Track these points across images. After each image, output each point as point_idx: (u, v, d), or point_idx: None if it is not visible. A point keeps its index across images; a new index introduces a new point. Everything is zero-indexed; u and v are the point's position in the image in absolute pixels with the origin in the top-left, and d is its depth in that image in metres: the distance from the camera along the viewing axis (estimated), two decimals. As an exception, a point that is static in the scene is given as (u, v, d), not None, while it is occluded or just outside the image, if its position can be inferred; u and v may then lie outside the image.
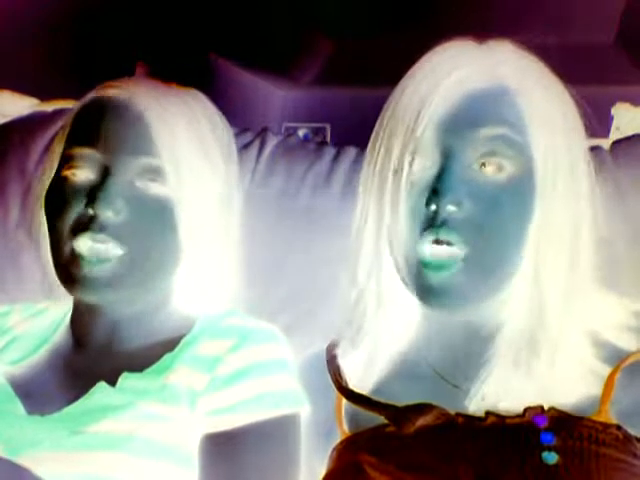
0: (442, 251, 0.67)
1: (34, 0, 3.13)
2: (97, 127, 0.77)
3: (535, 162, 0.68)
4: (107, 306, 0.79)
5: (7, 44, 2.88)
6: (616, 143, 0.92)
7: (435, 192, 0.65)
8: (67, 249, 0.75)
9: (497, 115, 0.67)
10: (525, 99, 0.68)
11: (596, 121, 0.71)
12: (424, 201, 0.67)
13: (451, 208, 0.65)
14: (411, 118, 0.68)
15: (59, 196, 0.77)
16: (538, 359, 0.66)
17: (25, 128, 1.08)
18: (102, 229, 0.73)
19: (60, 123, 1.06)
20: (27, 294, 0.98)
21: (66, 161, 0.78)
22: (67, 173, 0.77)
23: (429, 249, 0.67)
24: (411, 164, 0.69)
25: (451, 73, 0.68)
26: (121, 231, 0.74)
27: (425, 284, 0.68)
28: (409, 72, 0.72)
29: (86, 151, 0.76)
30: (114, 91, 0.78)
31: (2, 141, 1.07)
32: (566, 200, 0.68)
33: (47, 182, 0.80)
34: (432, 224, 0.66)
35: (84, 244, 0.74)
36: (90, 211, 0.73)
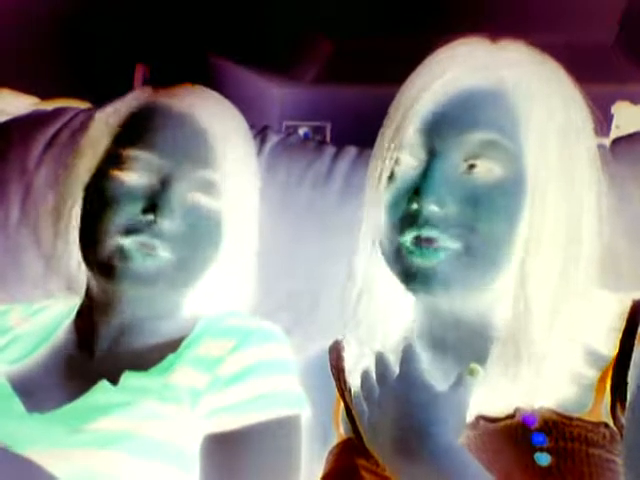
0: (425, 246, 0.66)
1: (34, 0, 3.13)
2: (158, 133, 0.78)
3: (527, 168, 0.66)
4: (123, 307, 0.79)
5: (7, 44, 2.89)
6: (616, 141, 0.92)
7: (417, 192, 0.65)
8: (112, 244, 0.75)
9: (488, 119, 0.66)
10: (524, 104, 0.66)
11: (597, 120, 0.71)
12: (407, 199, 0.67)
13: (434, 208, 0.65)
14: (400, 117, 0.68)
15: (106, 194, 0.77)
16: (522, 363, 0.64)
17: (25, 127, 1.08)
18: (157, 236, 0.75)
19: (60, 122, 1.06)
20: (28, 293, 0.98)
21: (115, 160, 0.78)
22: (117, 172, 0.77)
23: (412, 243, 0.67)
24: (398, 162, 0.69)
25: (445, 72, 0.67)
26: (173, 239, 0.75)
27: (409, 267, 0.68)
28: (416, 70, 0.72)
29: (143, 154, 0.77)
30: (173, 101, 0.79)
31: (2, 139, 1.07)
32: (559, 207, 0.66)
33: (79, 178, 0.81)
34: (414, 222, 0.66)
35: (134, 243, 0.75)
36: (150, 217, 0.74)
